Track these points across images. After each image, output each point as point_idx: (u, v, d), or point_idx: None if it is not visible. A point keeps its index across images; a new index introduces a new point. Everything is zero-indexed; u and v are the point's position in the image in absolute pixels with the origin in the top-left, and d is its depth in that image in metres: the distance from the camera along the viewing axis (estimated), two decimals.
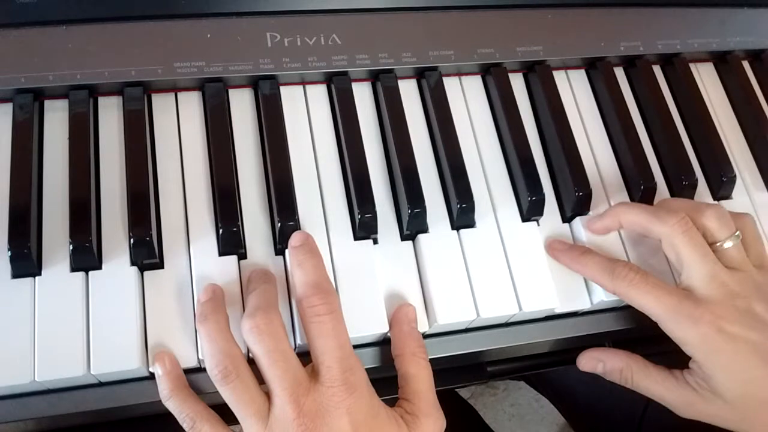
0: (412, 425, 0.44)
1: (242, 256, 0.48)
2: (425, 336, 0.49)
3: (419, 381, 0.46)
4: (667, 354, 0.50)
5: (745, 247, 0.49)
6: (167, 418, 0.49)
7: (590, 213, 0.53)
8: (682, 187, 0.54)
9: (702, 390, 0.47)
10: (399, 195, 0.51)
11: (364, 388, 0.43)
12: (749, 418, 0.47)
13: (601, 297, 0.50)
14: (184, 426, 0.44)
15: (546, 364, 0.58)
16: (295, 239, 0.47)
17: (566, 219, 0.53)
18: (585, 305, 0.51)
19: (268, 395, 0.43)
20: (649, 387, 0.50)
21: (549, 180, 0.54)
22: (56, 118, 0.49)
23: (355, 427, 0.41)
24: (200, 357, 0.44)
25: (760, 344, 0.45)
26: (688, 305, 0.46)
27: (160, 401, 0.45)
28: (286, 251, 0.47)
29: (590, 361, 0.53)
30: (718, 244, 0.48)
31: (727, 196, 0.56)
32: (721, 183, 0.55)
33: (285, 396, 0.41)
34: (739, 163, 0.58)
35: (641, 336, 0.53)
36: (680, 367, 0.50)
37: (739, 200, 0.56)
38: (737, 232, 0.49)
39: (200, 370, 0.45)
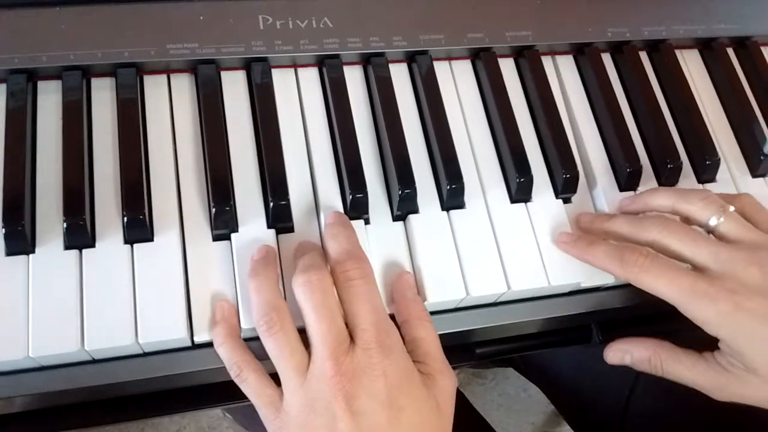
0: (430, 385, 0.45)
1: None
2: None
3: (428, 343, 0.46)
4: (668, 335, 0.51)
5: (752, 221, 0.49)
6: (161, 396, 0.49)
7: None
8: (667, 170, 0.55)
9: (735, 369, 0.46)
10: (390, 176, 0.51)
11: (399, 351, 0.44)
12: None
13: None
14: (231, 373, 0.45)
15: (534, 345, 0.59)
16: (329, 218, 0.48)
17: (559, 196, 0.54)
18: (578, 279, 0.51)
19: (309, 353, 0.44)
20: (681, 373, 0.49)
21: (543, 160, 0.55)
22: (50, 99, 0.50)
23: (389, 390, 0.42)
24: (193, 331, 0.45)
25: None
26: (703, 284, 0.45)
27: (154, 379, 0.46)
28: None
29: (617, 353, 0.52)
30: (710, 223, 0.48)
31: (711, 180, 0.57)
32: (705, 167, 0.56)
33: (326, 353, 0.42)
34: (723, 147, 0.59)
35: (634, 315, 0.54)
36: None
37: (723, 183, 0.57)
38: (731, 208, 0.48)
39: (197, 347, 0.46)
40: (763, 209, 0.50)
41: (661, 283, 0.46)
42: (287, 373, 0.43)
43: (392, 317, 0.47)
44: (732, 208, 0.48)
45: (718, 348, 0.48)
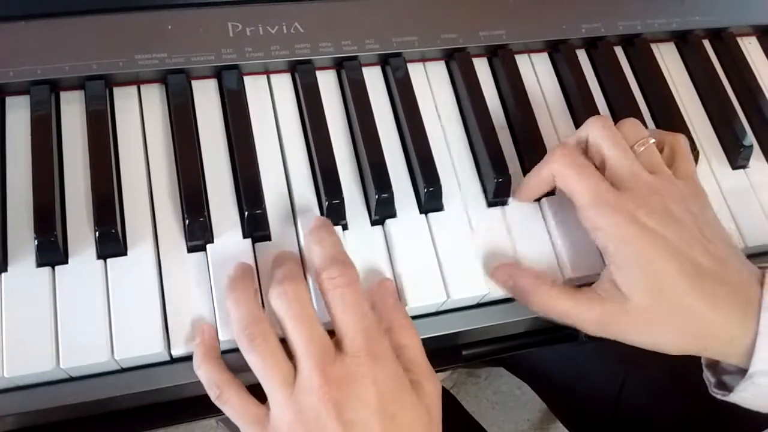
0: (418, 390, 0.44)
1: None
2: None
3: (412, 350, 0.46)
4: None
5: (672, 163, 0.49)
6: (139, 412, 0.49)
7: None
8: None
9: (612, 297, 0.45)
10: (366, 181, 0.51)
11: (389, 358, 0.43)
12: (656, 321, 0.45)
13: (570, 275, 0.50)
14: (212, 395, 0.44)
15: (520, 345, 0.59)
16: (313, 222, 0.47)
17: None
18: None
19: (294, 366, 0.43)
20: (556, 305, 0.47)
21: (518, 160, 0.55)
22: (18, 114, 0.49)
23: (380, 397, 0.41)
24: (170, 345, 0.44)
25: (672, 241, 0.45)
26: (611, 195, 0.46)
27: (135, 395, 0.45)
28: (303, 235, 0.48)
29: (502, 275, 0.50)
30: (635, 146, 0.48)
31: None
32: None
33: (311, 363, 0.41)
34: (701, 140, 0.59)
35: None
36: None
37: (703, 175, 0.57)
38: (652, 140, 0.49)
39: (176, 360, 0.46)
40: (687, 157, 0.50)
41: (577, 184, 0.47)
42: (274, 387, 0.42)
43: None
44: (654, 141, 0.49)
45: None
